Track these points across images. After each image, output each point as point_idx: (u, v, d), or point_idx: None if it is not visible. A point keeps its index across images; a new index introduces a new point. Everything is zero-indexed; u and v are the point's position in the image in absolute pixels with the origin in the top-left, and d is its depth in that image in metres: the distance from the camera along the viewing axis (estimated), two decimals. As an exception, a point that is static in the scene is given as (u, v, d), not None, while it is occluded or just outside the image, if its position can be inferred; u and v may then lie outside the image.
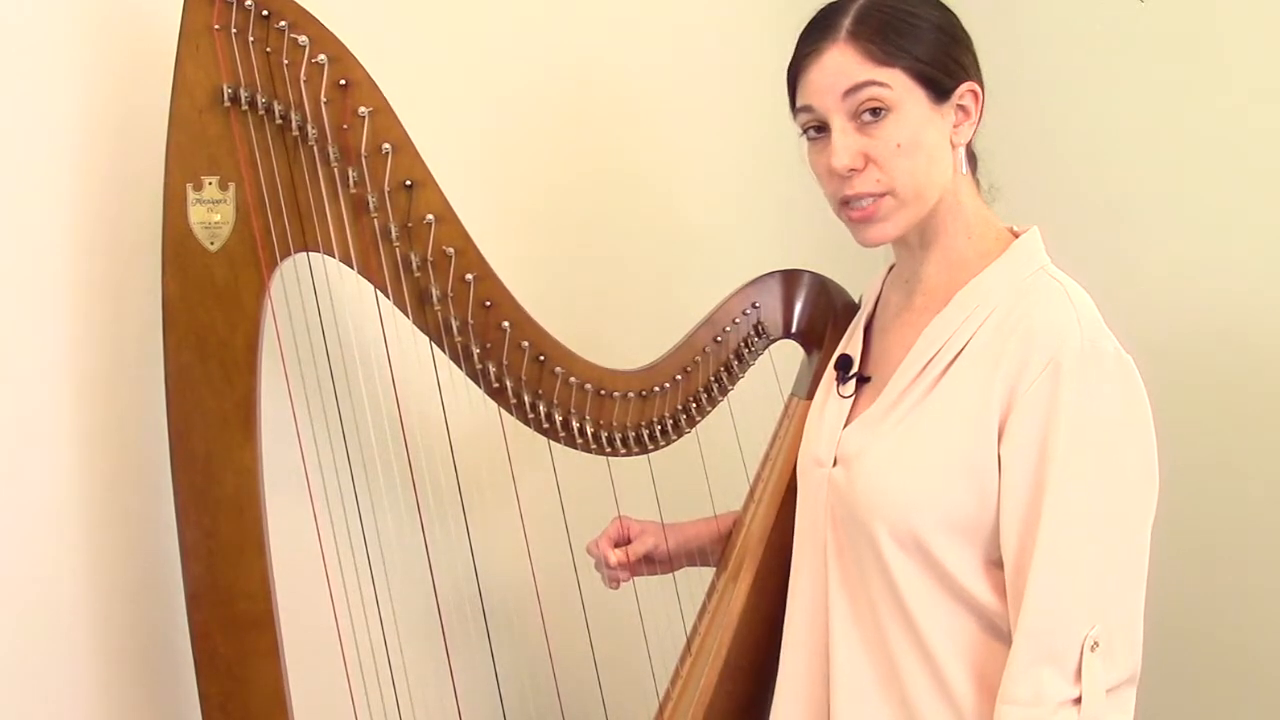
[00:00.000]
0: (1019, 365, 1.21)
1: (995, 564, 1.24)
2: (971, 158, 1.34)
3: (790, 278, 1.54)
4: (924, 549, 1.24)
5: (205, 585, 1.29)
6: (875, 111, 1.24)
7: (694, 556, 1.57)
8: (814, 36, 1.28)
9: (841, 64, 1.25)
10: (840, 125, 1.26)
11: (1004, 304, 1.26)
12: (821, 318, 1.53)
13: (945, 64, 1.26)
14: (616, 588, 1.55)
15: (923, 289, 1.34)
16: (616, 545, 1.53)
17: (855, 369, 1.38)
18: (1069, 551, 1.18)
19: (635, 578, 1.56)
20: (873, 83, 1.24)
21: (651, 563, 1.56)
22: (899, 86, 1.24)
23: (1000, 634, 1.24)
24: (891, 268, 1.43)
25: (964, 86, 1.27)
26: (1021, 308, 1.24)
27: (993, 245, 1.31)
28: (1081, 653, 1.17)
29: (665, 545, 1.54)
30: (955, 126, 1.28)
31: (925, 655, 1.25)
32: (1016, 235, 1.32)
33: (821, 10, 1.29)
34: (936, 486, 1.24)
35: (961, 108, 1.28)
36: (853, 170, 1.26)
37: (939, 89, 1.26)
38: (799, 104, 1.30)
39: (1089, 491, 1.19)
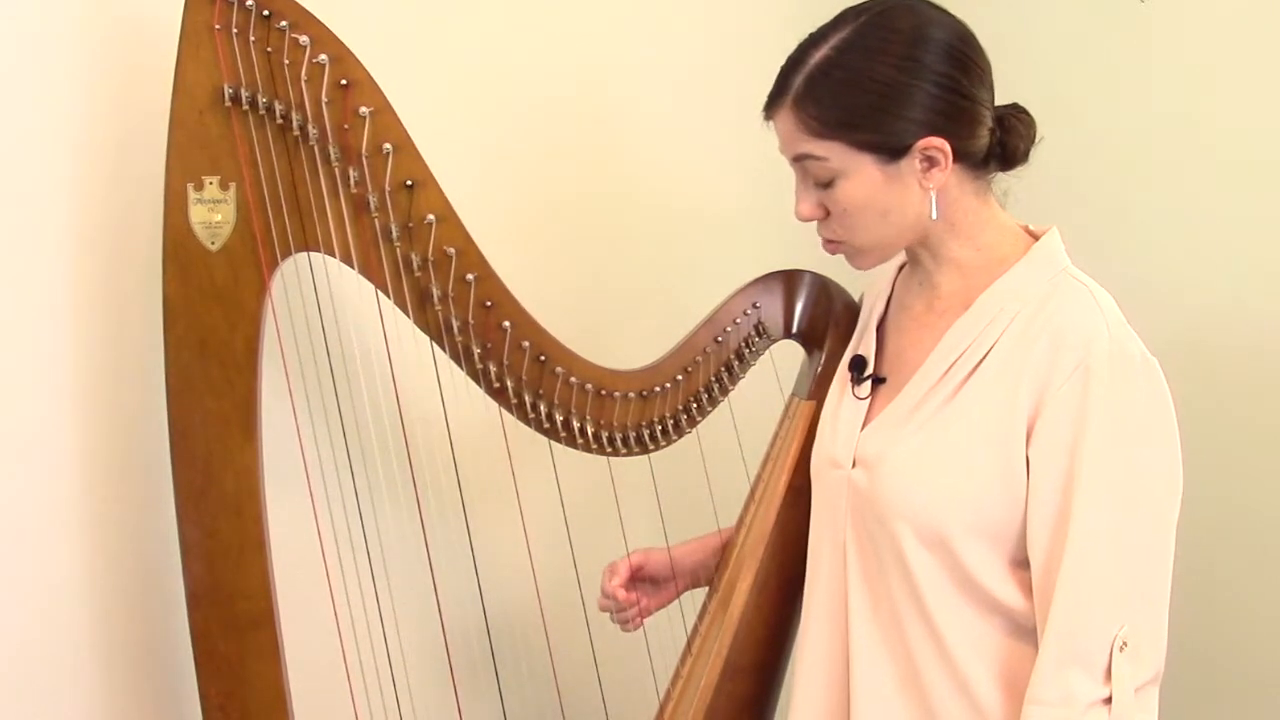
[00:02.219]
0: (1047, 368, 1.21)
1: (1020, 565, 1.24)
2: (996, 159, 1.29)
3: (791, 278, 1.54)
4: (949, 551, 1.24)
5: (205, 585, 1.30)
6: (821, 176, 1.26)
7: (696, 572, 1.57)
8: (774, 90, 1.28)
9: (786, 131, 1.27)
10: (799, 178, 1.29)
11: (1028, 307, 1.25)
12: (823, 318, 1.53)
13: (894, 127, 1.23)
14: (633, 628, 1.56)
15: (940, 294, 1.34)
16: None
17: (870, 370, 1.38)
18: (1098, 553, 1.18)
19: (646, 617, 1.56)
20: (811, 156, 1.25)
21: (656, 583, 1.56)
22: (838, 157, 1.24)
23: (1022, 635, 1.24)
24: (902, 265, 1.42)
25: (923, 142, 1.23)
26: (1047, 311, 1.24)
27: (1010, 250, 1.30)
28: (1110, 653, 1.18)
29: (665, 557, 1.55)
30: (925, 173, 1.25)
31: (946, 657, 1.25)
32: (1034, 235, 1.32)
33: (791, 55, 1.28)
34: (964, 489, 1.24)
35: (928, 158, 1.24)
36: (814, 218, 1.30)
37: (888, 151, 1.24)
38: None
39: (1118, 493, 1.19)
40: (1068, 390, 1.20)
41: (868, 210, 1.27)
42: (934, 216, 1.27)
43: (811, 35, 1.28)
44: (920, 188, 1.26)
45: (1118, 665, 1.18)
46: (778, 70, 1.29)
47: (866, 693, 1.30)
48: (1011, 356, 1.24)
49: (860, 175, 1.25)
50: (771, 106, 1.28)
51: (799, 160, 1.28)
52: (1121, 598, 1.19)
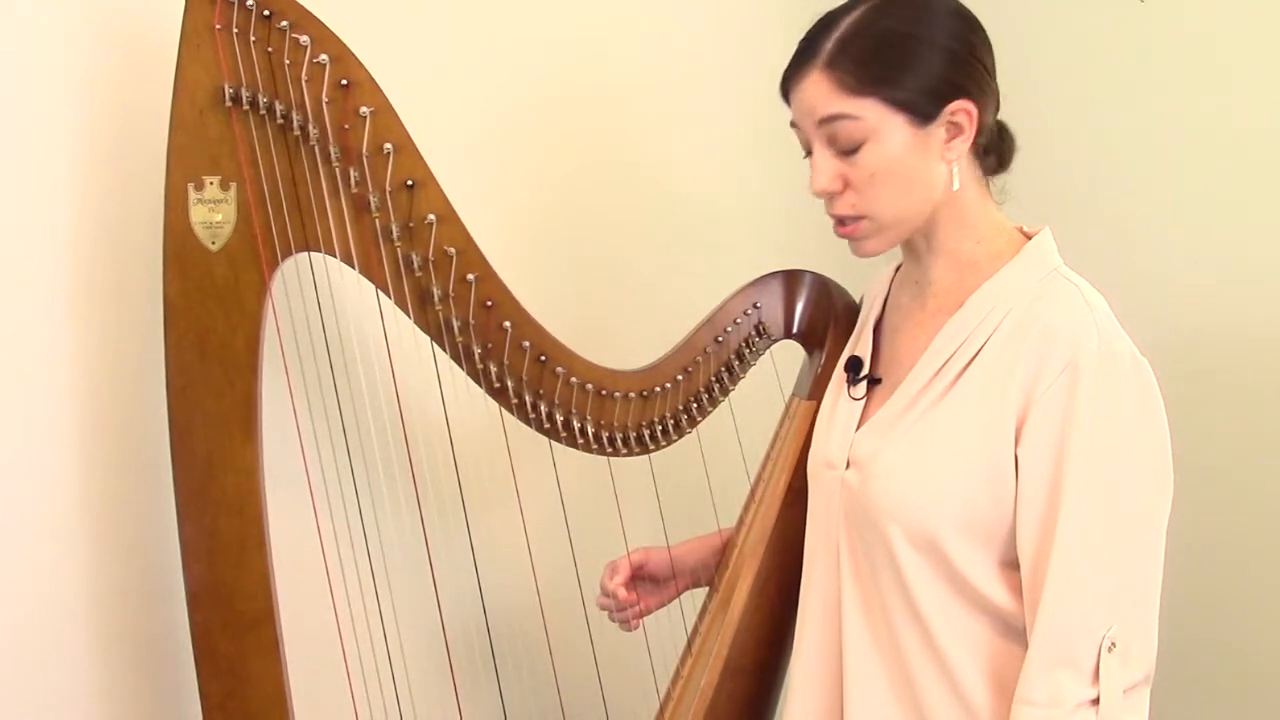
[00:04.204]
0: (1035, 368, 1.21)
1: (1009, 566, 1.24)
2: (994, 156, 1.31)
3: (791, 278, 1.54)
4: (939, 552, 1.24)
5: (206, 585, 1.30)
6: (853, 137, 1.25)
7: (693, 575, 1.58)
8: (800, 56, 1.27)
9: (816, 93, 1.25)
10: (819, 149, 1.27)
11: (1019, 306, 1.25)
12: (823, 318, 1.53)
13: (930, 87, 1.23)
14: (633, 628, 1.56)
15: (934, 291, 1.34)
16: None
17: (865, 371, 1.38)
18: (1086, 553, 1.18)
19: (646, 615, 1.57)
20: (844, 115, 1.24)
21: (655, 581, 1.57)
22: (873, 116, 1.23)
23: (1014, 636, 1.24)
24: (899, 267, 1.43)
25: (953, 106, 1.24)
26: (1037, 310, 1.24)
27: (1004, 248, 1.30)
28: (1099, 654, 1.18)
29: (665, 556, 1.55)
30: (947, 143, 1.26)
31: (938, 657, 1.25)
32: (1028, 236, 1.32)
33: (816, 24, 1.28)
34: (953, 490, 1.24)
35: (954, 124, 1.25)
36: (831, 193, 1.27)
37: (921, 113, 1.24)
38: (791, 120, 1.30)
39: (1106, 494, 1.19)
40: (1055, 390, 1.20)
41: (894, 176, 1.25)
42: (956, 186, 1.27)
43: (839, 6, 1.28)
44: (942, 160, 1.26)
45: (1105, 666, 1.18)
46: (776, 72, 1.30)
47: (859, 693, 1.30)
48: (1001, 356, 1.24)
49: (892, 137, 1.24)
50: (796, 72, 1.27)
51: (828, 123, 1.25)
52: (1109, 598, 1.19)
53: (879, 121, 1.23)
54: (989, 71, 1.28)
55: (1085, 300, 1.24)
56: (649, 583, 1.57)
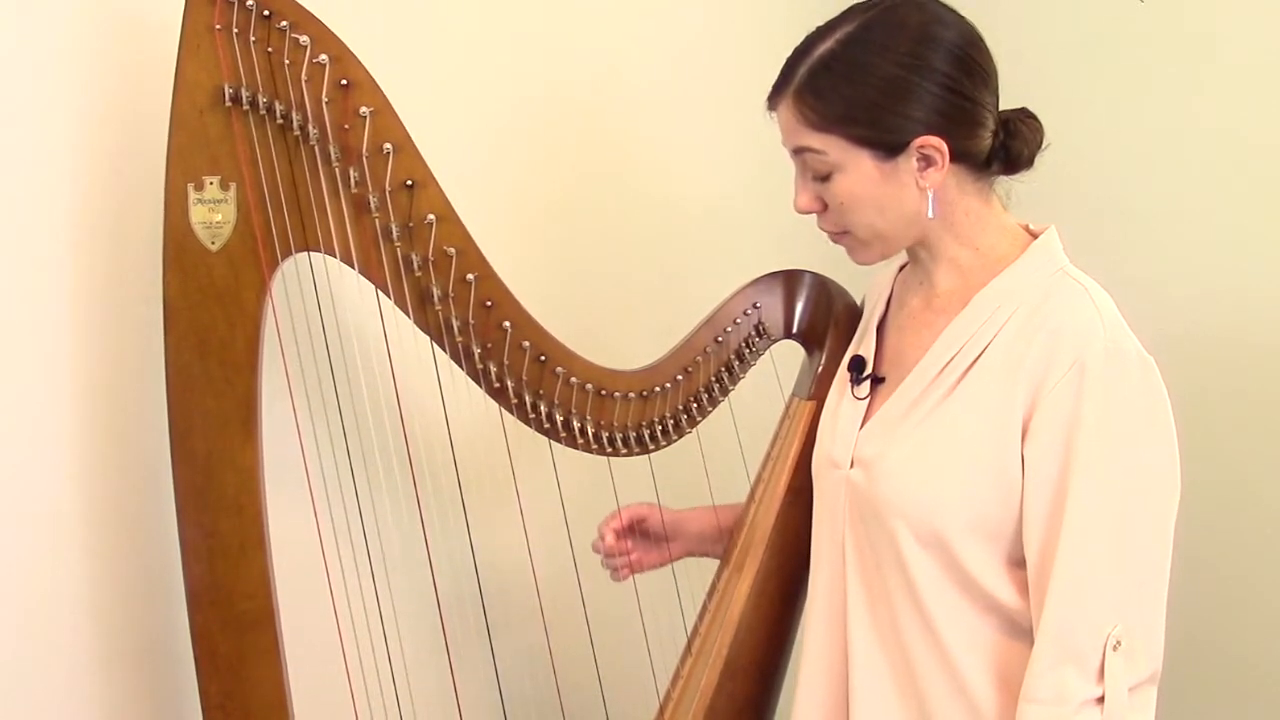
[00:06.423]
0: (1043, 366, 1.21)
1: (1016, 564, 1.24)
2: (1000, 163, 1.29)
3: (791, 278, 1.54)
4: (946, 550, 1.24)
5: (205, 585, 1.30)
6: (819, 169, 1.27)
7: (692, 542, 1.58)
8: (778, 81, 1.29)
9: (787, 123, 1.28)
10: (798, 172, 1.30)
11: (1026, 305, 1.26)
12: (823, 318, 1.53)
13: (892, 124, 1.23)
14: (621, 578, 1.55)
15: (938, 292, 1.34)
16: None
17: (869, 370, 1.38)
18: (1092, 551, 1.19)
19: (638, 572, 1.56)
20: (809, 149, 1.26)
21: (648, 539, 1.57)
22: (836, 151, 1.25)
23: (1019, 634, 1.24)
24: (903, 266, 1.43)
25: (919, 141, 1.23)
26: (1044, 309, 1.24)
27: (1009, 250, 1.30)
28: (1104, 652, 1.18)
29: (659, 517, 1.55)
30: (921, 172, 1.25)
31: (943, 656, 1.25)
32: (1033, 235, 1.32)
33: (799, 45, 1.29)
34: (961, 488, 1.24)
35: (924, 156, 1.25)
36: (812, 211, 1.31)
37: (885, 147, 1.24)
38: None
39: (1113, 491, 1.19)
40: (1063, 388, 1.20)
41: (864, 206, 1.27)
42: (930, 215, 1.27)
43: (819, 28, 1.28)
44: (917, 187, 1.26)
45: (1111, 664, 1.18)
46: (776, 72, 1.30)
47: (864, 692, 1.31)
48: (1008, 355, 1.24)
49: (857, 170, 1.25)
50: (775, 97, 1.29)
51: (798, 153, 1.28)
52: (1115, 596, 1.19)
53: (842, 156, 1.25)
54: (971, 99, 1.25)
55: (1092, 300, 1.24)
56: (650, 540, 1.57)
